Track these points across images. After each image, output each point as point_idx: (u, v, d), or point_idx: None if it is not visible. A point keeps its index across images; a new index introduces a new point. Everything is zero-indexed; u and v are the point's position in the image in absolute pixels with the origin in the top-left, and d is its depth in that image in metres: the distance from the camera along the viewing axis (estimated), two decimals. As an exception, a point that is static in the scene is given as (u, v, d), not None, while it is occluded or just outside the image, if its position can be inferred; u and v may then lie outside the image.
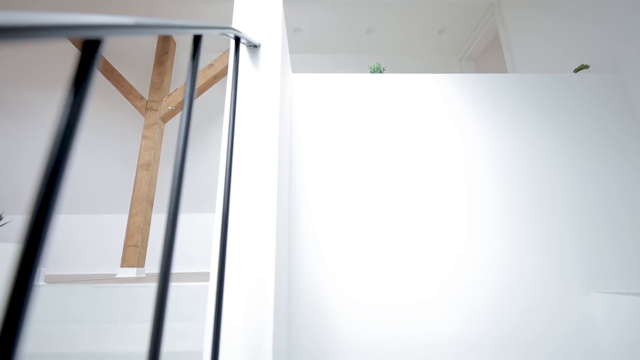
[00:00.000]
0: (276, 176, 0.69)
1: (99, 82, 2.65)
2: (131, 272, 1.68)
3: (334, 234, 0.94)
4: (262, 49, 0.71)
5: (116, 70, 2.12)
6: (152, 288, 0.88)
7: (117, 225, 2.43)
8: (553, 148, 1.06)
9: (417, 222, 0.97)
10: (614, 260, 0.96)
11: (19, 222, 2.39)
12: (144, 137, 1.90)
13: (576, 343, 0.87)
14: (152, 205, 1.86)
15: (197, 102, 2.74)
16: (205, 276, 1.40)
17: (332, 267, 0.91)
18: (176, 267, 2.31)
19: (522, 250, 0.95)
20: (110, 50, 2.74)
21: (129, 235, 1.74)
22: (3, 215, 2.27)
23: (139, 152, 1.87)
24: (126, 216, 2.27)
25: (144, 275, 1.73)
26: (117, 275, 1.68)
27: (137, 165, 1.85)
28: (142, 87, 2.59)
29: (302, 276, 0.89)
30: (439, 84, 1.13)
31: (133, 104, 2.00)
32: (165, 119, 2.01)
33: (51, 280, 1.12)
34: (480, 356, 0.85)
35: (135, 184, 1.82)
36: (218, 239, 0.57)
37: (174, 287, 0.90)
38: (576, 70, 1.26)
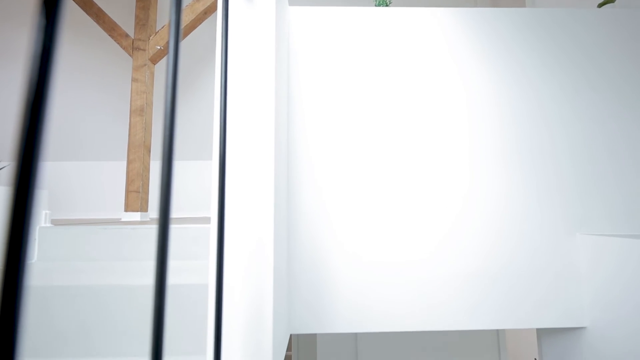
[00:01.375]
0: (273, 120, 0.67)
1: (78, 17, 2.45)
2: (135, 216, 1.73)
3: (335, 183, 0.95)
4: (253, -26, 0.64)
5: (96, 4, 1.94)
6: (156, 229, 0.92)
7: (117, 172, 2.44)
8: (573, 93, 1.02)
9: (421, 168, 0.97)
10: (619, 203, 0.98)
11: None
12: (133, 80, 1.81)
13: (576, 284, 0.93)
14: (150, 151, 1.85)
15: (188, 41, 2.56)
16: (208, 221, 1.44)
17: (332, 218, 0.93)
18: (179, 213, 2.38)
19: (525, 196, 0.97)
20: (87, -20, 2.48)
21: (129, 182, 1.76)
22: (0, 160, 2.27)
23: (130, 96, 1.80)
24: (125, 163, 2.28)
25: (148, 220, 1.79)
26: (122, 219, 1.74)
27: (130, 110, 1.79)
28: (127, 24, 2.40)
29: (301, 228, 0.92)
30: (439, 19, 1.04)
31: (118, 43, 1.87)
32: (154, 60, 1.90)
33: (57, 223, 1.15)
34: (482, 312, 0.92)
35: (130, 129, 1.78)
36: (216, 187, 0.57)
37: (176, 228, 0.93)
38: (600, 5, 1.16)
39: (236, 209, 0.65)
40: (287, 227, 0.89)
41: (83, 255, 0.94)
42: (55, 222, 1.11)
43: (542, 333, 1.23)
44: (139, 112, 1.78)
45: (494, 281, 0.93)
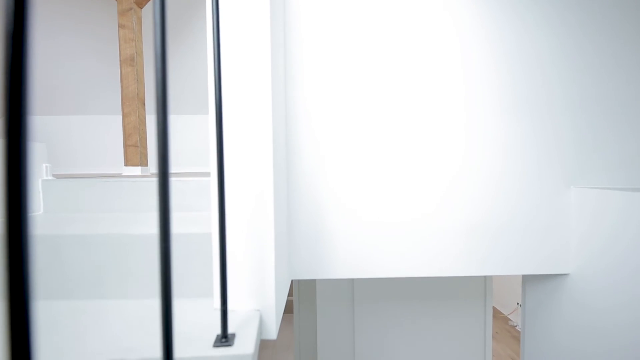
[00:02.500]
0: (270, 72, 0.64)
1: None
2: (136, 170, 1.74)
3: (333, 138, 0.94)
4: None
5: (70, -64, 1.74)
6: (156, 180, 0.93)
7: (114, 126, 2.40)
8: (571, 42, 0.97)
9: (419, 123, 0.95)
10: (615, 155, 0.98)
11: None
12: (120, 26, 1.69)
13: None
14: (144, 104, 1.80)
15: (175, -18, 2.36)
16: (209, 175, 1.45)
17: (330, 172, 0.93)
18: (179, 168, 2.39)
19: (520, 148, 0.96)
20: None
21: (126, 136, 1.74)
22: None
23: (119, 44, 1.70)
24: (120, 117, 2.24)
25: (149, 174, 1.80)
26: (123, 174, 1.75)
27: (120, 60, 1.71)
28: (107, -39, 2.18)
29: (300, 182, 0.92)
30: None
31: (100, -16, 1.72)
32: (140, 3, 1.76)
33: (59, 177, 1.16)
34: (473, 260, 0.96)
35: (122, 81, 1.71)
36: (214, 140, 0.57)
37: (177, 181, 0.95)
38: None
39: (235, 162, 0.65)
40: (286, 181, 0.90)
41: (88, 207, 0.96)
42: (57, 177, 1.12)
43: (527, 279, 1.31)
44: (130, 62, 1.70)
45: (486, 231, 0.96)
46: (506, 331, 4.34)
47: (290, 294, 4.41)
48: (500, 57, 0.95)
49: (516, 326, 4.44)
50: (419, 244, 0.95)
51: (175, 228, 0.67)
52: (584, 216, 0.97)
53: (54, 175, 1.09)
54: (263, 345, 4.01)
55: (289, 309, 4.66)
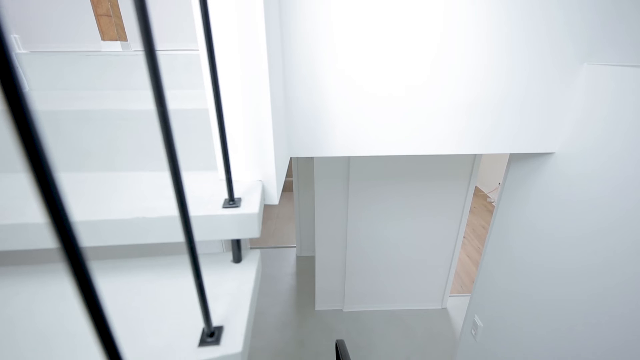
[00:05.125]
0: None
1: None
2: (115, 45, 1.59)
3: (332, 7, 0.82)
4: None
5: None
6: (142, 56, 0.86)
7: (75, -10, 2.06)
8: None
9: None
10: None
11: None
12: None
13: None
14: (106, -41, 1.49)
15: None
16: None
17: (334, 41, 0.85)
18: (162, 44, 2.17)
19: (528, 18, 0.87)
20: None
21: (95, 3, 1.51)
22: None
23: None
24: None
25: (130, 50, 1.66)
26: (102, 50, 1.60)
27: None
28: None
29: (299, 52, 0.85)
30: None
31: None
32: None
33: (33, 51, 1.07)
34: (466, 139, 0.97)
35: None
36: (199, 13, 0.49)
37: (164, 55, 0.88)
38: None
39: (225, 34, 0.59)
40: (281, 50, 0.83)
41: (74, 84, 0.92)
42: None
43: (513, 158, 1.39)
44: None
45: (482, 109, 0.96)
46: (483, 206, 4.87)
47: (289, 175, 4.75)
48: None
49: (493, 202, 4.96)
50: (413, 122, 0.96)
51: (171, 104, 0.66)
52: (590, 95, 0.95)
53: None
54: (267, 216, 4.55)
55: (289, 187, 5.07)
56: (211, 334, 0.49)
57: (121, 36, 1.61)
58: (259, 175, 0.71)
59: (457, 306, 3.04)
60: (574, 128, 1.01)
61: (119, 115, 0.69)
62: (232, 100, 0.64)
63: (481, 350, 1.65)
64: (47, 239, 0.55)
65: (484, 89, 0.93)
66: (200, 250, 0.43)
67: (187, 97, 0.80)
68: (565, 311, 1.08)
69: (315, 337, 2.74)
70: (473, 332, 1.72)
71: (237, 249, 0.66)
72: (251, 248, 0.70)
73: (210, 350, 0.47)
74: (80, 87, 0.94)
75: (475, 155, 2.47)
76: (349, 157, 2.43)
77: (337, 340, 1.49)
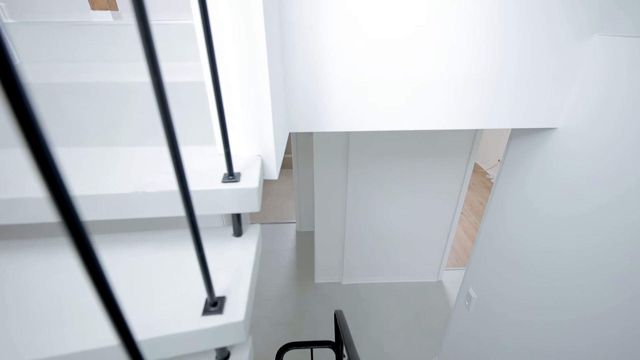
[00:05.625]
0: None
1: None
2: (106, 15, 1.52)
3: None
4: None
5: None
6: (134, 26, 0.83)
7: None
8: None
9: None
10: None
11: None
12: None
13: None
14: None
15: None
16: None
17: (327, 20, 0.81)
18: (157, 14, 2.08)
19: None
20: None
21: (81, -33, 1.43)
22: None
23: None
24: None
25: (122, 20, 1.59)
26: (92, 20, 1.54)
27: None
28: None
29: (297, 20, 0.81)
30: None
31: None
32: None
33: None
34: (466, 113, 0.95)
35: None
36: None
37: (156, 26, 0.84)
38: None
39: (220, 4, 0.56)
40: (279, 23, 0.80)
41: (64, 55, 0.89)
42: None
43: (514, 133, 1.38)
44: None
45: (483, 83, 0.94)
46: (482, 183, 4.90)
47: (288, 151, 4.71)
48: None
49: (492, 178, 4.98)
50: (414, 97, 0.94)
51: (166, 77, 0.64)
52: (598, 68, 0.93)
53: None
54: (267, 193, 4.58)
55: (288, 164, 5.05)
56: (214, 304, 0.51)
57: (112, 5, 1.54)
58: (257, 150, 0.70)
59: (452, 279, 3.13)
60: (579, 102, 0.99)
61: (114, 88, 0.68)
62: (229, 73, 0.62)
63: (474, 320, 1.72)
64: (48, 213, 0.56)
65: (486, 63, 0.91)
66: (200, 224, 0.43)
67: (183, 69, 0.78)
68: (557, 283, 1.11)
69: (315, 308, 2.85)
70: (467, 303, 1.78)
71: (237, 223, 0.67)
72: (251, 223, 0.71)
73: (214, 319, 0.49)
74: (71, 59, 0.91)
75: (475, 132, 2.45)
76: (348, 134, 2.41)
77: (335, 311, 1.55)
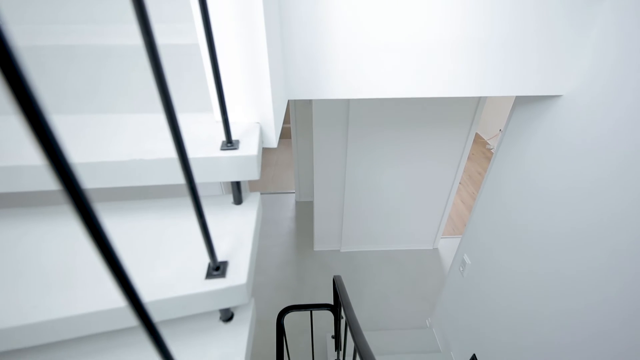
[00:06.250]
0: None
1: None
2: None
3: None
4: None
5: None
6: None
7: None
8: None
9: None
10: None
11: None
12: None
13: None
14: None
15: None
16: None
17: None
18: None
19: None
20: None
21: None
22: None
23: None
24: None
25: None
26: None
27: None
28: None
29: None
30: None
31: None
32: None
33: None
34: (468, 80, 0.91)
35: None
36: None
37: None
38: None
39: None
40: (276, -18, 0.75)
41: (52, 18, 0.84)
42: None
43: (518, 101, 1.35)
44: None
45: (490, 49, 0.90)
46: (482, 153, 4.89)
47: (287, 121, 4.63)
48: None
49: (492, 149, 4.95)
50: (415, 63, 0.91)
51: (158, 39, 0.61)
52: (611, 34, 0.89)
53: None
54: (266, 163, 4.58)
55: (287, 134, 4.98)
56: (217, 268, 0.52)
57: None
58: (256, 117, 0.69)
59: (447, 247, 3.22)
60: (589, 69, 0.96)
61: (103, 50, 0.65)
62: (225, 35, 0.59)
63: (466, 284, 1.79)
64: (48, 181, 0.55)
65: (493, 27, 0.86)
66: (200, 192, 0.43)
67: (175, 31, 0.74)
68: (550, 250, 1.15)
69: (314, 274, 2.95)
70: (461, 269, 1.85)
71: (237, 191, 0.67)
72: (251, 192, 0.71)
73: (217, 282, 0.51)
74: (58, 20, 0.87)
75: (478, 101, 2.39)
76: (348, 102, 2.36)
77: (334, 276, 1.61)
